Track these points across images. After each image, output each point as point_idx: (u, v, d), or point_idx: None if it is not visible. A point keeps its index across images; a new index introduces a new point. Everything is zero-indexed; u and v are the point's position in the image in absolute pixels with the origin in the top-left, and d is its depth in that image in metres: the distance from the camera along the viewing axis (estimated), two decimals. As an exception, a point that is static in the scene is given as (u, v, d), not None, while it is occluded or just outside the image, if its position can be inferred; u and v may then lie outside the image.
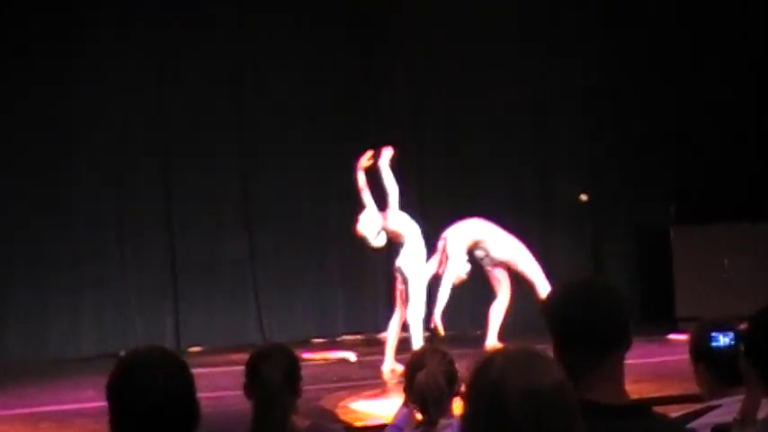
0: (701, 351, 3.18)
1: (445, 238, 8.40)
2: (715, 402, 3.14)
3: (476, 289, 10.10)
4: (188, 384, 2.17)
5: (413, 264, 7.99)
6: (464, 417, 1.78)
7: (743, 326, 2.75)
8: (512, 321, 10.14)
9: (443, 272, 8.35)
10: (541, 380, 1.72)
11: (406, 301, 8.00)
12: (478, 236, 8.52)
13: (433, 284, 8.34)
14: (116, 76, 9.69)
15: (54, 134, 9.57)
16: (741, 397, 2.85)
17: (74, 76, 9.61)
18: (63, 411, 6.66)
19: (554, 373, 1.75)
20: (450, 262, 8.34)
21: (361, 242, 8.16)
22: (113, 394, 2.16)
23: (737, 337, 2.77)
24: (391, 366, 7.77)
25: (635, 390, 2.12)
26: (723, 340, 3.03)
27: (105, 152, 9.72)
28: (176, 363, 2.18)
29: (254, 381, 3.21)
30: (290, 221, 10.09)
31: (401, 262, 7.99)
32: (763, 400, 2.73)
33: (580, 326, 2.18)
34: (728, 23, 10.36)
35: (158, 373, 2.13)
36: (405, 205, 8.32)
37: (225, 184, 10.07)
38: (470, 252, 8.53)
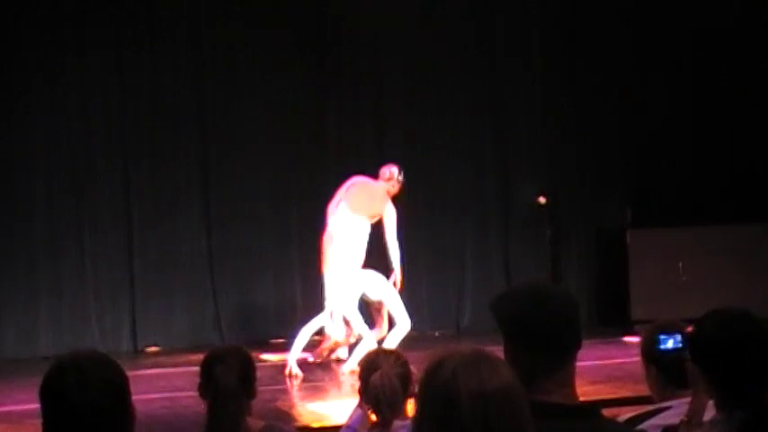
0: (650, 353, 3.22)
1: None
2: (665, 404, 3.19)
3: (435, 289, 10.20)
4: (122, 386, 2.17)
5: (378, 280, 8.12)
6: (415, 417, 1.80)
7: (690, 329, 2.79)
8: (471, 324, 10.24)
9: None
10: (491, 382, 1.74)
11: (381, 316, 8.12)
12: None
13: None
14: (75, 72, 9.61)
15: (11, 132, 9.48)
16: (689, 399, 2.90)
17: (30, 72, 9.52)
18: (18, 412, 6.62)
19: (504, 374, 1.77)
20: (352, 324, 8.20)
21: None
22: (46, 395, 2.16)
23: (684, 340, 2.81)
24: (350, 368, 7.80)
25: (590, 391, 2.15)
26: (670, 343, 3.08)
27: (63, 150, 9.64)
28: (110, 365, 2.18)
29: (209, 382, 3.21)
30: (249, 221, 10.07)
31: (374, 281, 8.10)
32: (709, 402, 2.78)
33: (540, 335, 2.21)
34: (689, 22, 10.44)
35: (92, 375, 2.13)
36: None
37: (184, 183, 10.01)
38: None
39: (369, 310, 8.28)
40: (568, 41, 10.61)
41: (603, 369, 7.16)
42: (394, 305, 8.08)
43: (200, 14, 10.00)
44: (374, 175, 8.38)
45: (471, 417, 1.71)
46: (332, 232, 8.15)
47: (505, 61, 10.56)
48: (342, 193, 8.24)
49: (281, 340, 9.96)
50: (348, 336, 8.14)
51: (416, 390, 3.75)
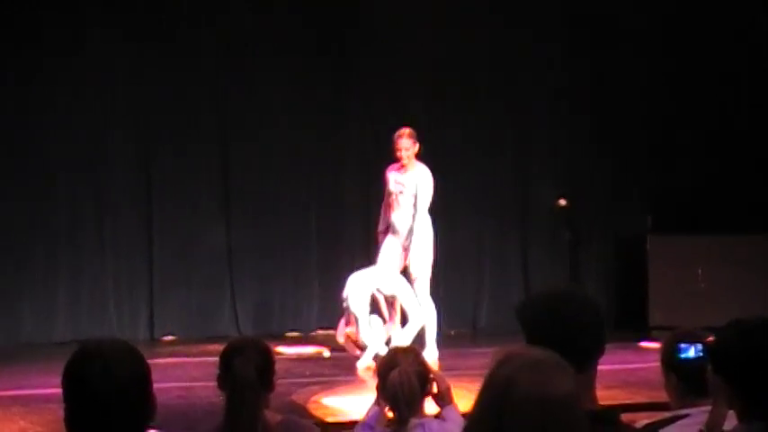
0: (670, 361, 3.21)
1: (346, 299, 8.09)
2: (683, 412, 3.18)
3: (452, 289, 10.18)
4: (144, 375, 2.19)
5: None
6: (471, 413, 1.77)
7: (710, 338, 2.78)
8: (487, 324, 10.23)
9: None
10: (554, 388, 1.71)
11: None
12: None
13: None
14: (98, 61, 9.64)
15: (32, 119, 9.52)
16: (708, 408, 2.89)
17: (53, 58, 9.56)
18: (34, 396, 6.66)
19: (567, 382, 1.74)
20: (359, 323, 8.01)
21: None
22: (69, 381, 2.18)
23: (705, 350, 2.80)
24: (367, 364, 7.80)
25: (606, 396, 2.15)
26: (690, 352, 3.07)
27: (85, 137, 9.68)
28: (133, 354, 2.21)
29: (227, 374, 3.22)
30: (269, 215, 10.09)
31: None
32: (729, 413, 2.77)
33: (559, 340, 2.21)
34: (712, 33, 10.39)
35: (116, 363, 2.15)
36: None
37: (205, 175, 10.04)
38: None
39: (379, 305, 8.18)
40: (592, 43, 10.56)
41: (620, 374, 7.15)
42: (407, 299, 7.99)
43: (222, 14, 10.02)
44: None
45: (529, 420, 1.68)
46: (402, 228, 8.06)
47: (527, 63, 10.52)
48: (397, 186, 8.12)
49: (297, 334, 10.01)
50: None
51: (434, 389, 3.76)
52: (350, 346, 8.13)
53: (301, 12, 10.13)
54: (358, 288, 7.97)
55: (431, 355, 7.78)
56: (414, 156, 8.08)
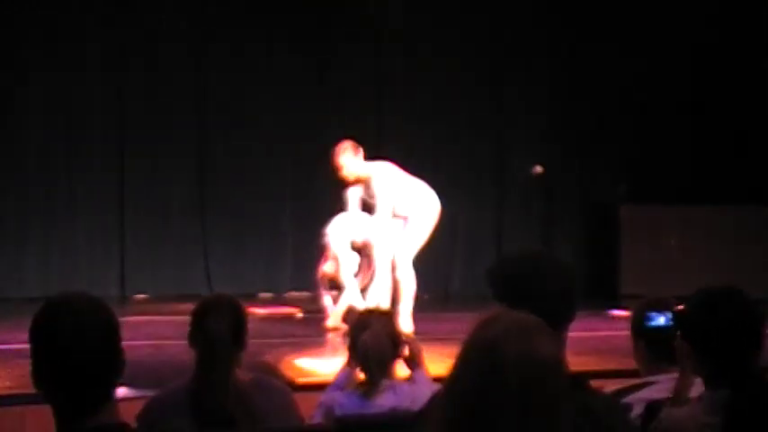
0: (639, 329, 3.24)
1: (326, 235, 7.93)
2: (651, 378, 3.21)
3: (425, 255, 10.18)
4: (113, 330, 2.17)
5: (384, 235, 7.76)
6: (451, 373, 1.75)
7: (679, 306, 2.80)
8: (460, 289, 10.27)
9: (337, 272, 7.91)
10: (541, 350, 1.70)
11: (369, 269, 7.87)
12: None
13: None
14: (73, 27, 9.57)
15: (6, 77, 9.43)
16: (676, 375, 2.92)
17: (28, 23, 9.46)
18: (3, 351, 6.62)
19: (553, 346, 1.74)
20: (339, 261, 7.87)
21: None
22: (37, 336, 2.16)
23: (674, 318, 2.82)
24: (334, 323, 7.80)
25: (575, 362, 2.15)
26: (660, 320, 3.09)
27: (58, 90, 9.58)
28: (102, 308, 2.18)
29: (199, 331, 3.21)
30: (242, 175, 10.05)
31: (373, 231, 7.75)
32: (696, 380, 2.79)
33: (531, 302, 2.21)
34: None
35: (85, 317, 2.13)
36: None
37: (179, 132, 9.98)
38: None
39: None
40: (569, 14, 10.55)
41: (590, 341, 7.18)
42: (381, 253, 7.71)
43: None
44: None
45: (514, 381, 1.67)
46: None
47: (505, 33, 10.51)
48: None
49: (270, 294, 10.01)
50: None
51: (405, 351, 3.77)
52: (324, 284, 8.03)
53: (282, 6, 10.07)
54: (341, 227, 7.91)
55: (405, 327, 7.48)
56: (358, 166, 7.72)
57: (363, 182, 7.76)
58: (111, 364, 2.16)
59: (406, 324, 7.56)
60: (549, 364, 1.70)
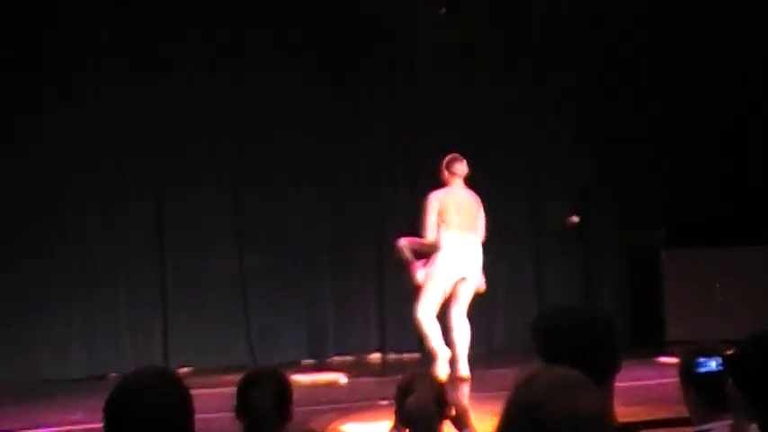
0: (689, 376, 3.19)
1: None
2: (704, 427, 3.15)
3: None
4: (184, 407, 2.16)
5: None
6: (497, 430, 1.73)
7: (730, 351, 2.75)
8: (504, 343, 10.17)
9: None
10: (584, 407, 1.68)
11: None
12: None
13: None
14: (108, 80, 9.66)
15: (43, 148, 9.54)
16: (730, 422, 2.86)
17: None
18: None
19: (597, 401, 1.71)
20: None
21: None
22: (109, 417, 2.14)
23: (724, 363, 2.77)
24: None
25: (625, 413, 2.13)
26: (710, 365, 3.04)
27: (94, 167, 9.64)
28: (174, 384, 2.17)
29: (245, 405, 3.20)
30: (280, 242, 10.08)
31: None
32: (751, 426, 2.74)
33: (574, 356, 2.19)
34: (726, 41, 10.36)
35: (156, 396, 2.12)
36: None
37: (216, 202, 10.03)
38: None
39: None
40: (603, 55, 10.56)
41: (639, 390, 7.08)
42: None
43: (233, 32, 10.05)
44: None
45: None
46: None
47: (538, 77, 10.53)
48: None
49: (312, 361, 9.97)
50: None
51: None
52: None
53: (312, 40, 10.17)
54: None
55: (464, 372, 8.20)
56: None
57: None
58: None
59: (464, 370, 8.24)
60: (592, 421, 1.67)
